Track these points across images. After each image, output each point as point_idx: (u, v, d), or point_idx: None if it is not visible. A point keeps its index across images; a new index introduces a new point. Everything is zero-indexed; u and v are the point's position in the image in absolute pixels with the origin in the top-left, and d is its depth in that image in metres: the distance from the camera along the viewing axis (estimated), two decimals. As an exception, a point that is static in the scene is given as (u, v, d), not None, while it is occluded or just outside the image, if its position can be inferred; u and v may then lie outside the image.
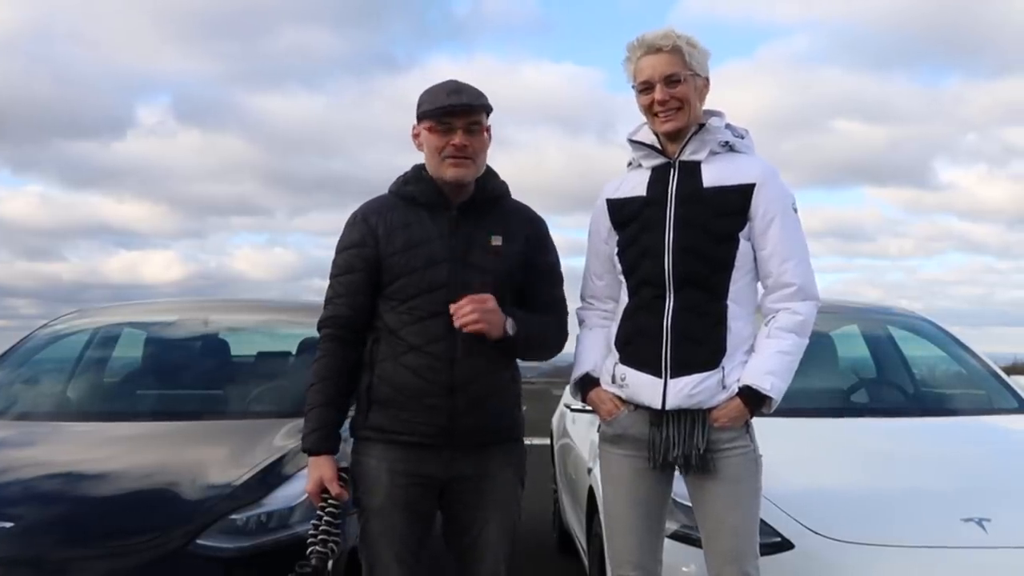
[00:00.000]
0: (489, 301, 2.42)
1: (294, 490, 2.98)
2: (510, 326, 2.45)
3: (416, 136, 2.56)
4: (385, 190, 2.64)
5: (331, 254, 2.60)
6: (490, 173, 2.61)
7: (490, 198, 2.58)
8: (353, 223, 2.57)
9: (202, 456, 3.27)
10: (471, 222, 2.53)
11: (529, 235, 2.60)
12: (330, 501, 2.45)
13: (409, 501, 2.48)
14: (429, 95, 2.52)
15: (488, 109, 2.54)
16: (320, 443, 2.46)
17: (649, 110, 2.47)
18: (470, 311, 2.39)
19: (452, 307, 2.41)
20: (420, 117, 2.53)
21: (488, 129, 2.56)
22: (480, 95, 2.51)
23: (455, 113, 2.47)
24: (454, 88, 2.51)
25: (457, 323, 2.40)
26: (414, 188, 2.55)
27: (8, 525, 2.78)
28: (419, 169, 2.59)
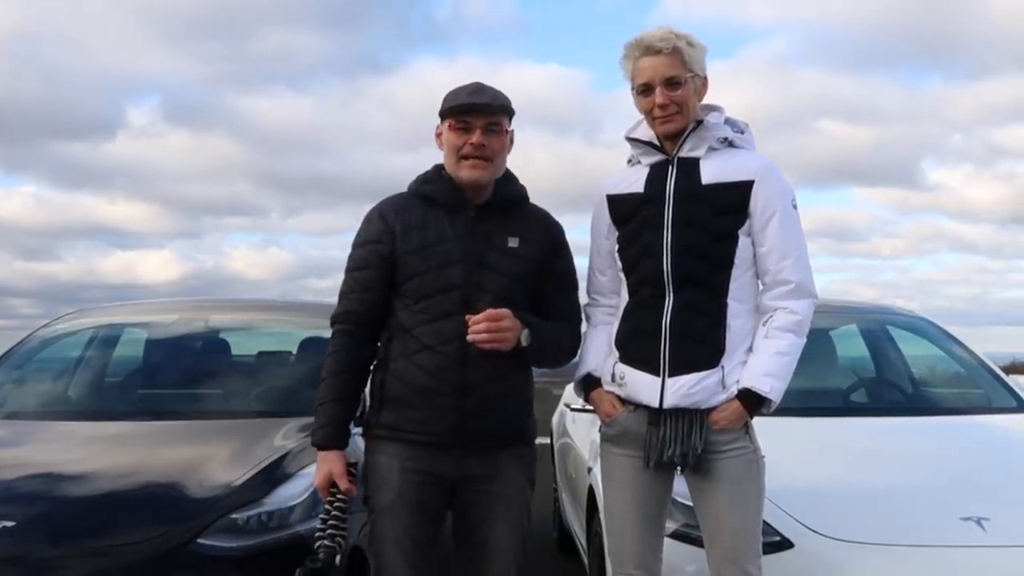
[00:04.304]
0: (505, 318, 2.40)
1: (295, 489, 2.99)
2: (524, 337, 2.43)
3: (438, 136, 2.57)
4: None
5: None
6: (509, 176, 2.62)
7: (509, 201, 2.59)
8: (370, 219, 2.57)
9: (203, 455, 3.27)
10: (489, 223, 2.53)
11: (545, 239, 2.60)
12: (338, 496, 2.46)
13: (420, 499, 2.48)
14: (452, 94, 2.54)
15: (509, 112, 2.56)
16: (329, 438, 2.48)
17: (649, 113, 2.46)
18: (483, 329, 2.37)
19: (469, 319, 2.39)
20: (442, 115, 2.54)
21: (510, 132, 2.58)
22: (501, 96, 2.53)
23: (475, 112, 2.48)
24: (476, 88, 2.53)
25: (469, 339, 2.39)
26: (433, 187, 2.56)
27: (8, 524, 2.79)
28: (439, 168, 2.59)
